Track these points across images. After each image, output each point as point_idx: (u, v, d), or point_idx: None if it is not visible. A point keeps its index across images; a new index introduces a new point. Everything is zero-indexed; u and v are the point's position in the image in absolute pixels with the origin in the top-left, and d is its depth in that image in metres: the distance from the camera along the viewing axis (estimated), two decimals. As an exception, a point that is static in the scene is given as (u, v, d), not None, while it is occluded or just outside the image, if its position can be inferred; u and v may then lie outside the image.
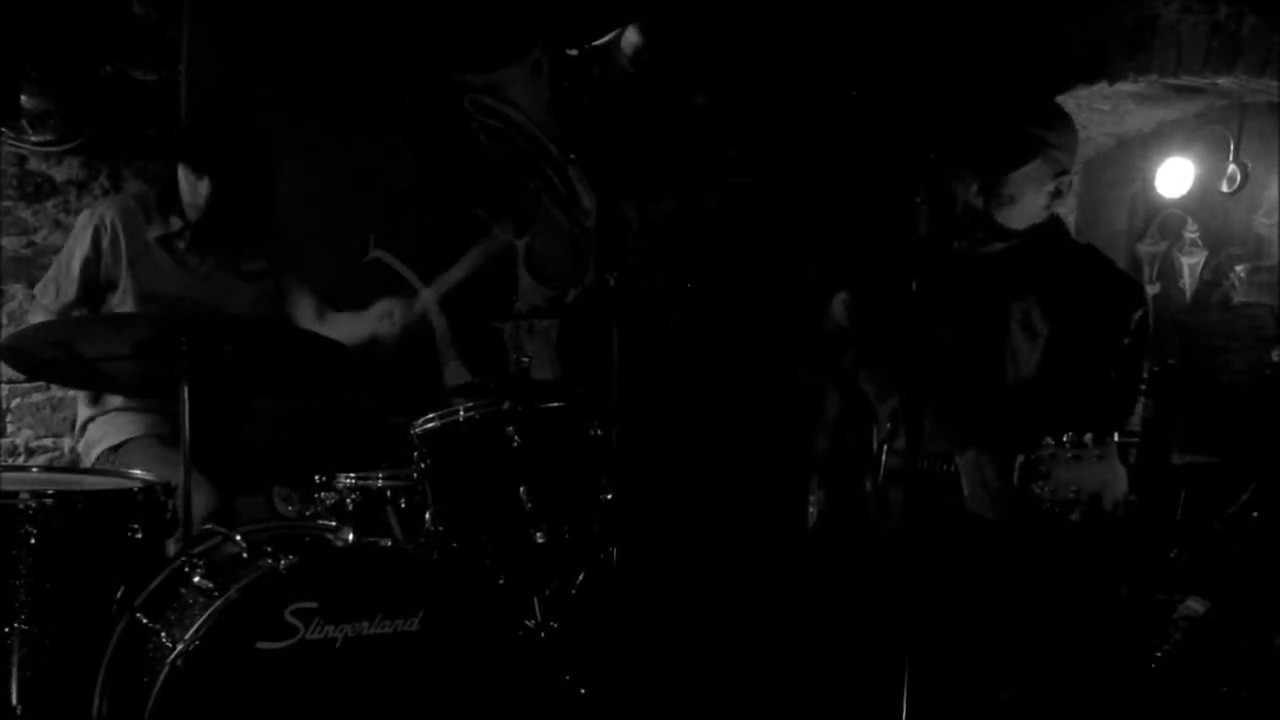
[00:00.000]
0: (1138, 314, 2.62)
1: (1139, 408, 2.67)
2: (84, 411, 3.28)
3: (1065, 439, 2.27)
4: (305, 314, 3.44)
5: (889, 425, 2.68)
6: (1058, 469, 2.26)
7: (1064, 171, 2.67)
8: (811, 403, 2.93)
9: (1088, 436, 2.26)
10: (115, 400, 3.21)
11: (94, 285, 3.19)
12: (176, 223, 3.22)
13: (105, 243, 3.18)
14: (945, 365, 2.58)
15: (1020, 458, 2.33)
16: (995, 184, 2.62)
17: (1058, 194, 2.68)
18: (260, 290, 3.37)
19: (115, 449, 3.16)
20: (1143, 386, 2.68)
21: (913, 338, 2.47)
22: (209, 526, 2.59)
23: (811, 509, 2.87)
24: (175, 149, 3.25)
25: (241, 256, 3.33)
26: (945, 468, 2.50)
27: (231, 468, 3.09)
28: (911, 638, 2.31)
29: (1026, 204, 2.65)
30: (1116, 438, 2.26)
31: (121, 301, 3.20)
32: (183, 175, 3.17)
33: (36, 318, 3.20)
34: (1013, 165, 2.61)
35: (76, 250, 3.19)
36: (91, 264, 3.18)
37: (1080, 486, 2.25)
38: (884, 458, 2.66)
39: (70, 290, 3.17)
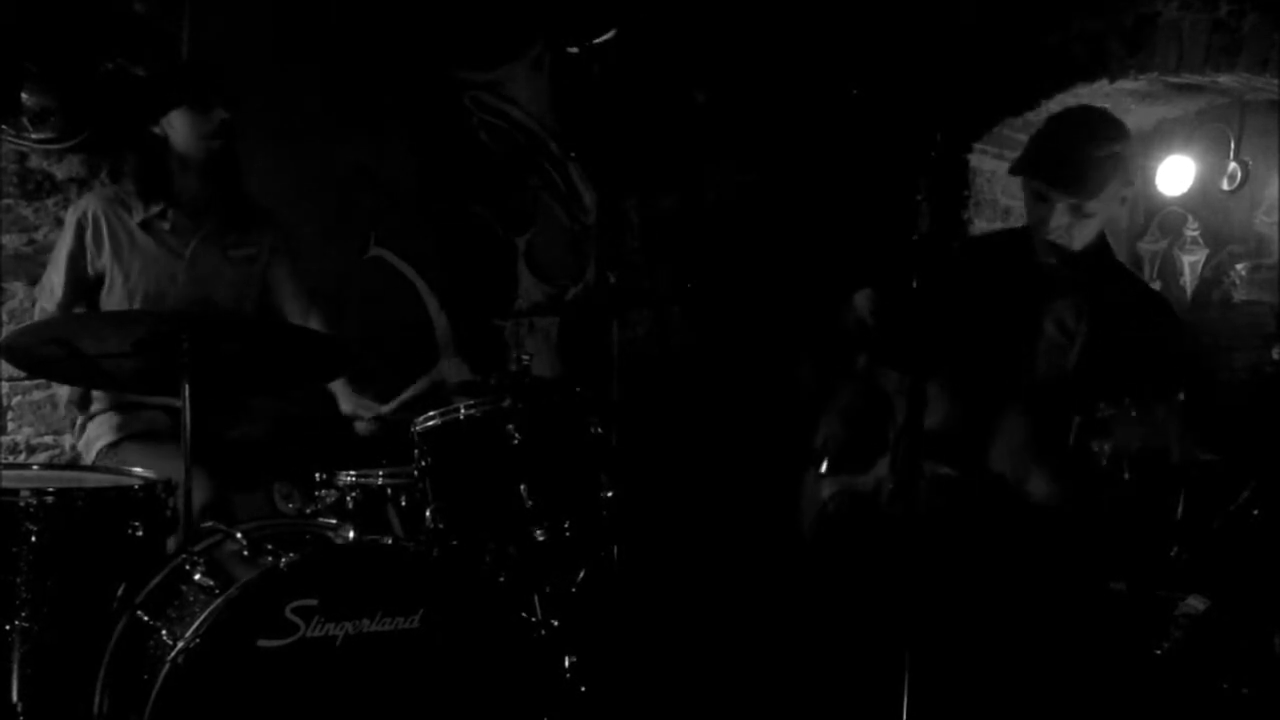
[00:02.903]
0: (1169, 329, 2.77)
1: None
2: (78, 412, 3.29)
3: (1127, 401, 2.29)
4: (292, 307, 3.45)
5: (908, 409, 2.71)
6: (1120, 428, 2.28)
7: (1131, 181, 2.79)
8: (812, 401, 2.94)
9: (1150, 395, 2.29)
10: (100, 402, 3.22)
11: (83, 279, 3.19)
12: (158, 205, 3.23)
13: (88, 236, 3.18)
14: (978, 363, 2.63)
15: (1077, 418, 2.35)
16: (1081, 205, 2.69)
17: (1124, 201, 2.81)
18: (247, 275, 3.38)
19: (114, 445, 3.16)
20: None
21: (921, 334, 2.49)
22: (209, 524, 2.59)
23: (820, 502, 2.88)
24: (173, 96, 3.22)
25: (227, 238, 3.33)
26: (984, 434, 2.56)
27: (230, 464, 3.09)
28: (912, 634, 2.31)
29: (1102, 217, 2.77)
30: (1181, 396, 2.29)
31: (109, 291, 3.20)
32: (186, 123, 3.18)
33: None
34: (1102, 186, 2.70)
35: (62, 247, 3.21)
36: (77, 258, 3.19)
37: (1145, 442, 2.26)
38: (903, 441, 2.68)
39: (59, 290, 3.18)
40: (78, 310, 3.18)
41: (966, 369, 2.49)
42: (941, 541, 2.45)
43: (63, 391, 3.66)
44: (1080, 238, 2.73)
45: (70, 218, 3.23)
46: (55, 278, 3.20)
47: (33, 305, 3.57)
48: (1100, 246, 2.84)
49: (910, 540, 2.41)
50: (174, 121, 3.19)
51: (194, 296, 3.24)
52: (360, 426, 3.24)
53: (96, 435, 3.21)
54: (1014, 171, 2.77)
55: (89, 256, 3.19)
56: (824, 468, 2.87)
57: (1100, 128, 2.80)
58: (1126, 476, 2.27)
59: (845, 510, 2.82)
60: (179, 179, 3.23)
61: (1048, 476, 2.50)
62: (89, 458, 3.22)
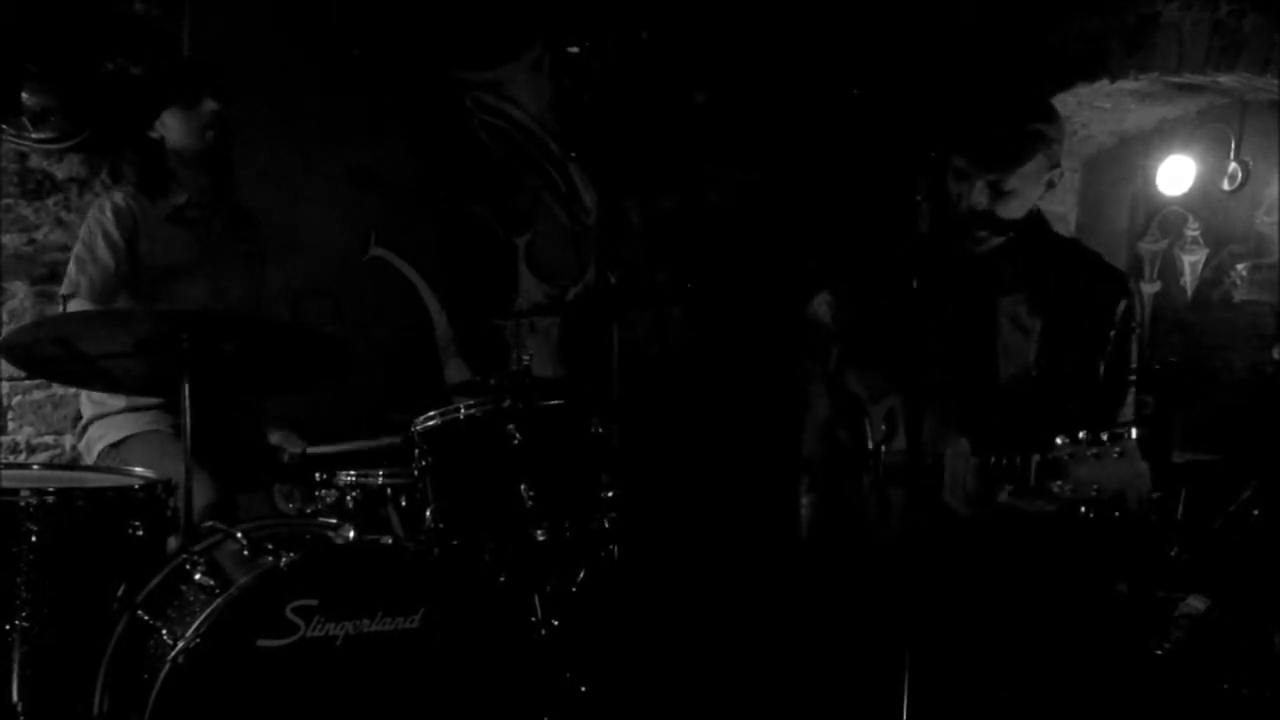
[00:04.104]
0: (1123, 304, 2.64)
1: (1129, 400, 2.67)
2: (87, 410, 3.28)
3: (1083, 436, 2.26)
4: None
5: (884, 425, 2.68)
6: (1078, 467, 2.26)
7: (1057, 165, 2.70)
8: (806, 402, 2.93)
9: (1105, 434, 2.25)
10: (118, 402, 3.21)
11: (125, 265, 3.15)
12: (180, 196, 3.23)
13: (126, 222, 3.16)
14: (940, 365, 2.57)
15: (1036, 457, 2.33)
16: (1001, 180, 2.64)
17: (1050, 186, 2.71)
18: (253, 273, 3.42)
19: (115, 445, 3.16)
20: (1132, 378, 2.68)
21: (912, 336, 2.47)
22: (210, 524, 2.59)
23: (806, 511, 2.87)
24: (163, 96, 3.21)
25: (237, 233, 3.36)
26: (937, 464, 2.51)
27: (233, 464, 3.09)
28: (911, 636, 2.31)
29: (1025, 198, 2.68)
30: (1134, 433, 2.26)
31: (138, 280, 3.18)
32: (178, 120, 3.17)
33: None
34: (1020, 160, 2.63)
35: (100, 238, 3.14)
36: (119, 244, 3.14)
37: (1102, 484, 2.24)
38: (881, 457, 2.66)
39: (108, 275, 3.11)
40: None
41: (926, 382, 2.44)
42: (937, 547, 2.44)
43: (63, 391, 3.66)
44: (1002, 214, 2.65)
45: (98, 211, 3.19)
46: (95, 269, 3.12)
47: (33, 305, 3.57)
48: (1035, 223, 2.74)
49: (905, 551, 2.41)
50: (167, 121, 3.19)
51: (216, 292, 3.25)
52: (285, 457, 3.23)
53: (99, 436, 3.21)
54: (938, 150, 2.70)
55: (128, 244, 3.15)
56: (807, 484, 2.86)
57: (1024, 106, 2.74)
58: (1091, 515, 2.27)
59: (839, 518, 2.81)
60: (182, 176, 3.23)
61: (972, 509, 2.48)
62: (90, 459, 3.21)
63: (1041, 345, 2.63)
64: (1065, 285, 2.66)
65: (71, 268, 3.19)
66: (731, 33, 4.91)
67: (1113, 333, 2.62)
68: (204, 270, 3.23)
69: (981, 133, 2.69)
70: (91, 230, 3.18)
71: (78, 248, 3.20)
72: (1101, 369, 2.62)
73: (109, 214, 3.17)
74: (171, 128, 3.20)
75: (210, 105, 3.17)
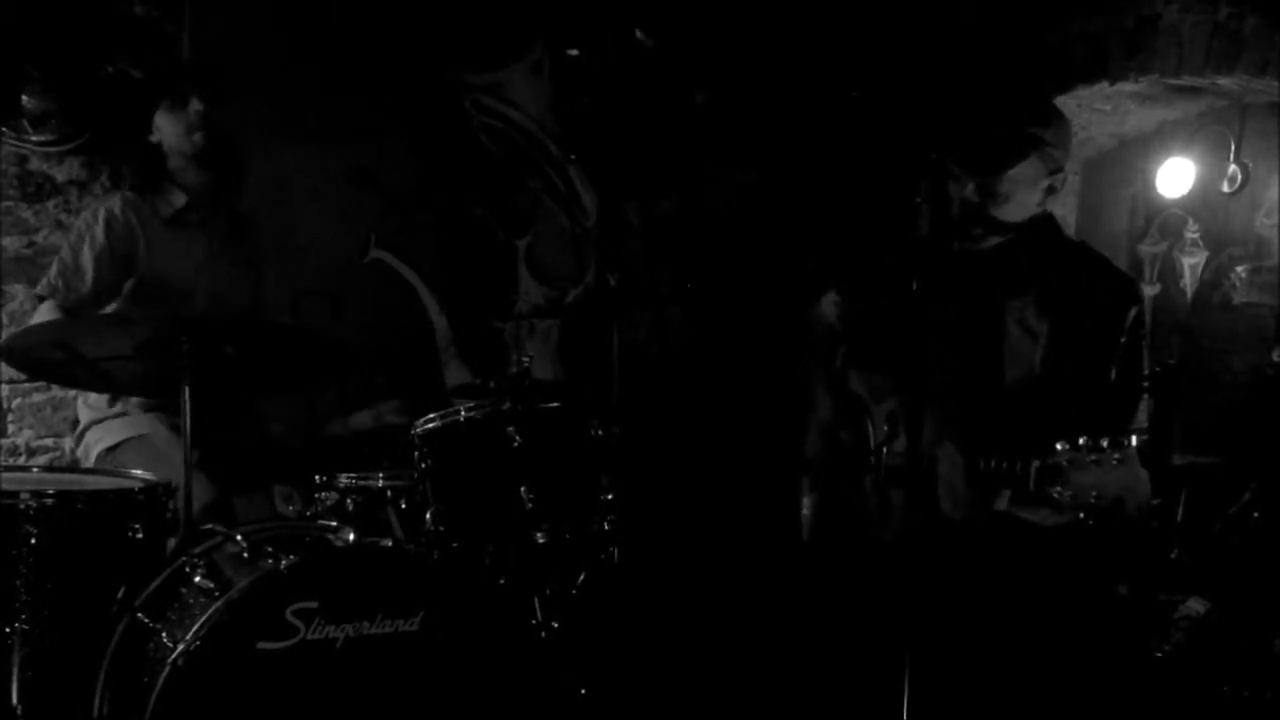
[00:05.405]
0: (1133, 311, 2.62)
1: (1142, 407, 2.66)
2: (84, 415, 3.28)
3: (1083, 442, 2.25)
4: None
5: (886, 427, 2.67)
6: (1077, 474, 2.25)
7: (1058, 169, 2.66)
8: (808, 403, 2.93)
9: (1105, 440, 2.24)
10: (115, 407, 3.21)
11: (107, 279, 3.16)
12: (179, 198, 3.22)
13: (119, 233, 3.15)
14: (942, 366, 2.57)
15: (1036, 462, 2.32)
16: (990, 183, 2.62)
17: (1051, 191, 2.68)
18: (250, 279, 3.42)
19: (112, 449, 3.16)
20: (1145, 385, 2.67)
21: (912, 338, 2.46)
22: (209, 526, 2.59)
23: (806, 511, 2.87)
24: (156, 96, 3.21)
25: (234, 238, 3.36)
26: (933, 467, 2.51)
27: (231, 466, 3.09)
28: (911, 637, 2.31)
29: (1021, 202, 2.65)
30: (1134, 440, 2.25)
31: (138, 287, 3.18)
32: (167, 121, 3.17)
33: (43, 318, 3.14)
34: (1008, 164, 2.60)
35: (86, 246, 3.15)
36: (105, 257, 3.14)
37: (1101, 491, 2.23)
38: (883, 459, 2.66)
39: (84, 287, 3.13)
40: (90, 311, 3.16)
41: (926, 383, 2.42)
42: (937, 549, 2.43)
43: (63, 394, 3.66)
44: (998, 216, 2.64)
45: (91, 219, 3.18)
46: (75, 279, 3.14)
47: (33, 308, 3.56)
48: (1044, 225, 2.71)
49: (904, 554, 2.40)
50: (158, 122, 3.20)
51: (214, 296, 3.25)
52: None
53: (96, 440, 3.21)
54: (938, 152, 2.66)
55: (117, 255, 3.15)
56: (809, 484, 2.86)
57: (1017, 108, 2.70)
58: (1089, 520, 2.27)
59: (840, 519, 2.80)
60: (180, 179, 3.23)
61: (963, 514, 2.48)
62: (88, 463, 3.21)
63: (1048, 349, 2.61)
64: (1072, 288, 2.63)
65: (53, 269, 3.20)
66: (731, 34, 4.91)
67: (1123, 339, 2.59)
68: (203, 278, 3.23)
69: (971, 135, 2.67)
70: (81, 236, 3.18)
71: (64, 250, 3.21)
72: (1112, 374, 2.59)
73: (101, 223, 3.16)
74: (164, 130, 3.20)
75: (197, 106, 3.15)
